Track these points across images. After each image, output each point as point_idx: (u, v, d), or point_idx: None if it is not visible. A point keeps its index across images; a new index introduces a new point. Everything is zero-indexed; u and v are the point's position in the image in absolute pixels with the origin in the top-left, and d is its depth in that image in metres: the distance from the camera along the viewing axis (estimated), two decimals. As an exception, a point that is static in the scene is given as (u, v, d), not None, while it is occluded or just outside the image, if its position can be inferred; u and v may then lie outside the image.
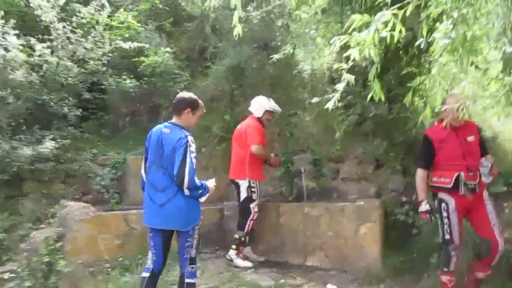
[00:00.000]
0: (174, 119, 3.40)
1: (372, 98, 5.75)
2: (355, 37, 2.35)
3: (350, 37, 2.38)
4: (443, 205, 3.71)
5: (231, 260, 4.78)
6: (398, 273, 4.19)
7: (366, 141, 5.74)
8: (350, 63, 2.41)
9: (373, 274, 4.57)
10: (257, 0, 6.46)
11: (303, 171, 5.46)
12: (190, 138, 3.24)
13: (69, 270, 3.93)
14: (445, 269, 3.72)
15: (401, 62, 5.83)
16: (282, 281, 4.37)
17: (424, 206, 3.74)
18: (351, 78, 2.43)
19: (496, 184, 4.67)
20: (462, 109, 3.40)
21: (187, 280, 3.32)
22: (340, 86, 2.48)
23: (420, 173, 3.82)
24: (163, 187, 3.25)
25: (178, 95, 3.54)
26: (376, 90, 2.37)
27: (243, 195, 4.88)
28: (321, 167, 5.60)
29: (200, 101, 3.58)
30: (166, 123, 3.39)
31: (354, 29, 2.43)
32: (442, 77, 6.15)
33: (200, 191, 3.27)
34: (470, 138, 3.74)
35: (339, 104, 5.97)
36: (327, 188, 5.53)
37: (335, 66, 2.52)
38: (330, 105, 2.55)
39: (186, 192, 3.17)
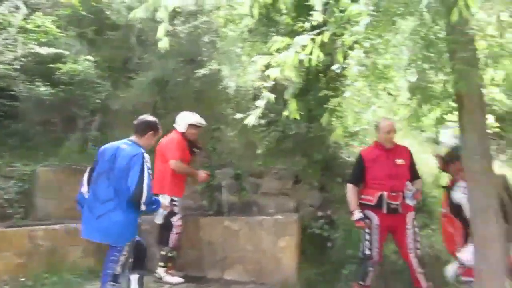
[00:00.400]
0: (134, 138, 3.61)
1: (293, 116, 6.01)
2: (275, 58, 2.47)
3: (272, 57, 2.50)
4: (366, 221, 3.95)
5: (160, 278, 4.65)
6: (312, 284, 4.36)
7: (286, 158, 5.96)
8: (272, 82, 2.52)
9: (289, 286, 4.71)
10: (185, 15, 6.46)
11: (224, 185, 5.51)
12: (146, 155, 3.42)
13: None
14: (361, 283, 3.96)
15: (320, 84, 6.18)
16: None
17: (357, 215, 3.96)
18: (270, 96, 2.54)
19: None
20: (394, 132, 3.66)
21: None
22: (260, 103, 2.58)
23: (349, 187, 4.09)
24: (104, 199, 3.34)
25: (142, 118, 3.78)
26: (292, 109, 2.50)
27: None
28: (242, 182, 5.67)
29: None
30: (125, 140, 3.61)
31: (276, 50, 2.56)
32: (357, 100, 6.62)
33: (154, 206, 3.53)
34: (400, 161, 3.96)
35: (262, 121, 6.21)
36: (247, 202, 5.61)
37: (257, 83, 2.61)
38: (251, 120, 2.64)
39: (143, 207, 3.30)
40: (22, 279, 3.98)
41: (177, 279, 4.72)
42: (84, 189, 3.53)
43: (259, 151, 5.81)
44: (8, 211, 4.66)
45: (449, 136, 3.97)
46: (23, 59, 5.04)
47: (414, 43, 3.11)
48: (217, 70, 6.24)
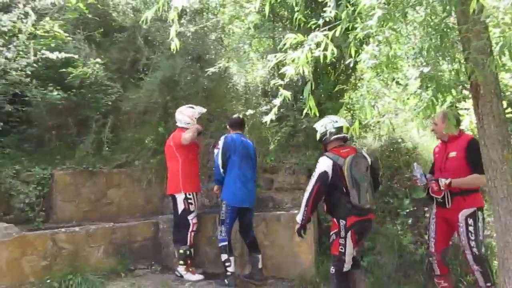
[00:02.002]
0: (240, 132, 4.94)
1: (302, 111, 6.03)
2: (290, 55, 2.49)
3: (285, 55, 2.51)
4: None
5: (181, 276, 4.73)
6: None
7: (299, 152, 5.97)
8: (286, 80, 2.53)
9: (307, 280, 4.75)
10: (191, 14, 6.47)
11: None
12: None
13: (-9, 297, 3.63)
14: (433, 273, 4.04)
15: (329, 78, 6.17)
16: (221, 293, 4.38)
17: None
18: (287, 94, 2.56)
19: (417, 190, 5.12)
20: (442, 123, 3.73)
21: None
22: (277, 102, 2.60)
23: None
24: (250, 177, 4.81)
25: (237, 116, 5.23)
26: (311, 106, 2.51)
27: (181, 207, 4.84)
28: (256, 178, 5.71)
29: None
30: (238, 133, 4.89)
31: (288, 47, 2.58)
32: (368, 92, 6.61)
33: None
34: (452, 154, 3.86)
35: (273, 117, 6.22)
36: (262, 198, 5.65)
37: (272, 82, 2.63)
38: (268, 119, 2.66)
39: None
40: (48, 281, 4.05)
41: (197, 276, 4.80)
42: (222, 170, 4.68)
43: (271, 147, 5.84)
44: (30, 215, 4.73)
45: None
46: (34, 65, 5.07)
47: (425, 32, 3.11)
48: (225, 67, 6.26)
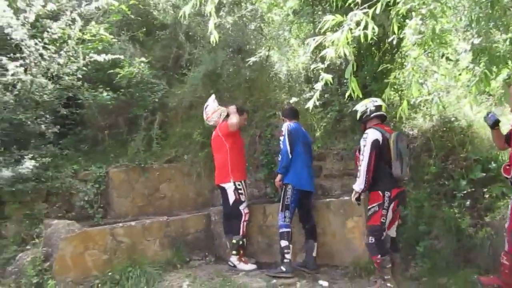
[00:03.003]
0: (297, 121, 4.99)
1: (349, 95, 5.87)
2: (329, 37, 2.42)
3: (325, 37, 2.44)
4: None
5: (234, 266, 4.82)
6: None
7: (346, 137, 5.84)
8: (327, 63, 2.46)
9: (362, 267, 4.66)
10: (229, 6, 6.48)
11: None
12: None
13: (59, 289, 3.88)
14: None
15: (374, 58, 5.96)
16: (274, 281, 4.40)
17: None
18: (328, 77, 2.49)
19: (474, 170, 4.85)
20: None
21: None
22: (318, 86, 2.55)
23: None
24: (311, 163, 5.01)
25: (291, 106, 5.33)
26: (353, 88, 2.43)
27: (232, 198, 4.90)
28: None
29: None
30: (297, 122, 4.96)
31: (327, 29, 2.50)
32: (414, 70, 6.32)
33: None
34: None
35: (318, 103, 6.11)
36: (311, 186, 5.58)
37: (312, 66, 2.57)
38: (310, 104, 2.62)
39: None
40: (110, 274, 4.26)
41: (250, 266, 4.85)
42: (290, 156, 4.70)
43: (317, 134, 5.76)
44: (90, 212, 4.99)
45: None
46: (84, 68, 5.31)
47: (473, 1, 2.90)
48: (266, 56, 6.23)
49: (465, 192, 4.75)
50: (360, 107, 4.25)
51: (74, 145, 5.52)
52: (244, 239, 4.94)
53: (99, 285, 4.15)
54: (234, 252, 4.85)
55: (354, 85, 2.42)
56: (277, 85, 6.60)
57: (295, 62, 6.80)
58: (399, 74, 6.33)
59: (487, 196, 4.69)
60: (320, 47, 2.74)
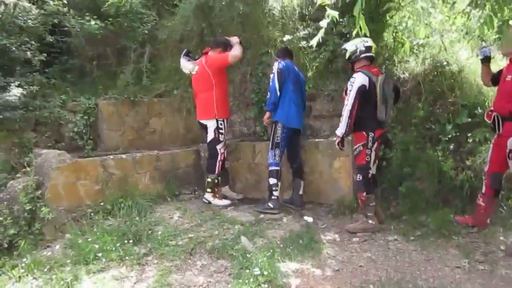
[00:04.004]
0: (290, 60, 4.90)
1: (342, 35, 5.74)
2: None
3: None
4: None
5: (209, 203, 4.89)
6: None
7: (337, 78, 5.82)
8: (333, -1, 2.39)
9: (346, 205, 4.86)
10: None
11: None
12: None
13: (53, 216, 3.94)
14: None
15: (371, -2, 5.81)
16: (262, 216, 4.57)
17: None
18: (335, 13, 2.43)
19: (461, 115, 4.96)
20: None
21: None
22: (324, 23, 2.49)
23: None
24: (301, 102, 4.94)
25: (286, 46, 5.36)
26: (362, 25, 2.39)
27: (210, 136, 4.89)
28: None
29: None
30: (291, 61, 4.88)
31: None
32: (411, 12, 6.20)
33: None
34: (508, 77, 3.68)
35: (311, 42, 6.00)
36: (301, 125, 5.64)
37: (319, 2, 2.49)
38: (314, 42, 2.57)
39: None
40: (102, 204, 4.34)
41: (225, 202, 4.95)
42: (279, 93, 4.68)
43: (309, 74, 5.71)
44: (79, 143, 4.97)
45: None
46: (69, -7, 5.04)
47: None
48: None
49: (450, 136, 4.89)
50: (350, 46, 4.24)
51: (60, 74, 5.35)
52: (219, 178, 4.98)
53: (92, 214, 4.24)
54: (208, 190, 4.88)
55: (362, 23, 2.37)
56: (270, 22, 6.40)
57: (290, -1, 6.57)
58: (395, 14, 6.23)
59: (470, 140, 4.83)
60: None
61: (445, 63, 5.42)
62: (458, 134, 4.90)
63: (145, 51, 5.65)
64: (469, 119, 4.89)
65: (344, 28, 5.54)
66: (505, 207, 4.30)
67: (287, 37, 5.83)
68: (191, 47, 6.08)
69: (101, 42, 5.48)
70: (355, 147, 4.27)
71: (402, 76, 5.49)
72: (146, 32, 5.62)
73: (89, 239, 3.79)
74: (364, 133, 4.18)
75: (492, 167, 3.97)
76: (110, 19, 5.36)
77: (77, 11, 5.21)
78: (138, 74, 5.62)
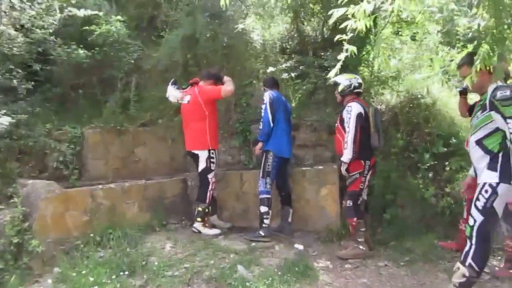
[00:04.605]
0: (277, 90, 5.07)
1: (322, 68, 6.00)
2: (351, 9, 2.51)
3: (347, 9, 2.53)
4: None
5: (199, 232, 4.85)
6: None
7: (319, 110, 6.06)
8: (350, 34, 2.56)
9: (334, 232, 4.96)
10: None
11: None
12: None
13: (43, 249, 3.78)
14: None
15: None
16: (254, 244, 4.58)
17: None
18: (353, 48, 2.59)
19: (437, 145, 5.27)
20: None
21: None
22: (342, 56, 2.64)
23: None
24: (290, 131, 5.11)
25: (272, 76, 5.47)
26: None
27: (202, 166, 4.88)
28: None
29: None
30: (277, 91, 5.04)
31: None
32: (383, 48, 6.59)
33: None
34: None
35: (293, 74, 6.24)
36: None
37: (337, 37, 2.64)
38: (332, 74, 2.69)
39: None
40: (91, 235, 4.20)
41: (214, 231, 4.92)
42: (272, 124, 4.81)
43: (293, 104, 5.91)
44: (65, 172, 4.82)
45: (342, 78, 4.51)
46: (55, 23, 5.01)
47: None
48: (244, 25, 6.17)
49: (428, 164, 5.17)
50: (344, 80, 4.55)
51: (43, 103, 5.21)
52: (210, 207, 4.98)
53: (81, 246, 4.09)
54: (198, 219, 4.85)
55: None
56: (252, 54, 6.62)
57: (271, 32, 6.84)
58: (370, 50, 6.61)
59: (448, 169, 5.13)
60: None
61: (419, 95, 5.79)
62: (435, 162, 5.19)
63: (130, 81, 5.65)
64: (445, 149, 5.21)
65: (326, 62, 5.82)
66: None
67: (270, 69, 6.04)
68: (175, 77, 6.14)
69: (86, 71, 5.43)
70: (351, 174, 4.42)
71: (379, 107, 5.80)
72: (132, 61, 5.63)
73: (83, 272, 3.65)
74: (362, 161, 4.38)
75: (473, 193, 4.20)
76: (96, 48, 5.34)
77: (63, 40, 5.15)
78: (124, 103, 5.59)
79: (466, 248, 3.04)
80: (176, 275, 3.79)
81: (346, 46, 2.61)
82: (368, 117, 4.43)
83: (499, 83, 3.02)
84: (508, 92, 2.87)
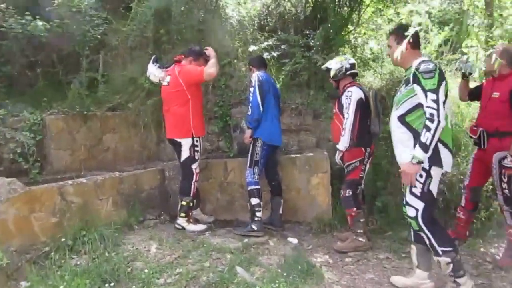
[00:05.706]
0: (265, 70, 4.63)
1: (309, 48, 5.68)
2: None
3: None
4: None
5: (183, 229, 4.40)
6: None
7: (302, 92, 5.72)
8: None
9: (325, 223, 4.71)
10: None
11: (243, 125, 5.18)
12: None
13: (7, 262, 3.17)
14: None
15: (336, 11, 5.83)
16: (246, 240, 4.21)
17: None
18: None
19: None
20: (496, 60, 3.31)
21: None
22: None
23: None
24: (279, 115, 4.71)
25: (260, 55, 5.21)
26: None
27: (185, 155, 4.37)
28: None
29: None
30: (266, 72, 4.60)
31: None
32: (365, 28, 6.32)
33: None
34: (495, 94, 3.72)
35: (275, 54, 5.81)
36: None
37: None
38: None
39: None
40: (63, 239, 3.61)
41: (200, 226, 4.49)
42: (262, 109, 4.36)
43: (277, 86, 5.51)
44: (25, 166, 4.13)
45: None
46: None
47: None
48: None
49: (419, 150, 5.00)
50: (334, 64, 4.26)
51: (-11, 84, 4.44)
52: (194, 200, 4.54)
53: (51, 253, 3.50)
54: (182, 214, 4.40)
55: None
56: (229, 31, 6.10)
57: (247, 7, 6.35)
58: (352, 31, 6.34)
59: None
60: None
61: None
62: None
63: (96, 59, 4.95)
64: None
65: (312, 41, 5.46)
66: (482, 219, 4.47)
67: (252, 48, 5.58)
68: (146, 54, 5.50)
69: (45, 47, 4.66)
70: (350, 162, 4.15)
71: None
72: (99, 36, 4.93)
73: (59, 286, 3.10)
74: (362, 148, 4.12)
75: (472, 181, 4.09)
76: (56, 20, 4.59)
77: (16, 9, 4.36)
78: (90, 85, 4.91)
79: (427, 241, 3.03)
80: (169, 283, 3.34)
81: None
82: (369, 101, 4.15)
83: (424, 58, 2.97)
84: (431, 65, 2.82)
